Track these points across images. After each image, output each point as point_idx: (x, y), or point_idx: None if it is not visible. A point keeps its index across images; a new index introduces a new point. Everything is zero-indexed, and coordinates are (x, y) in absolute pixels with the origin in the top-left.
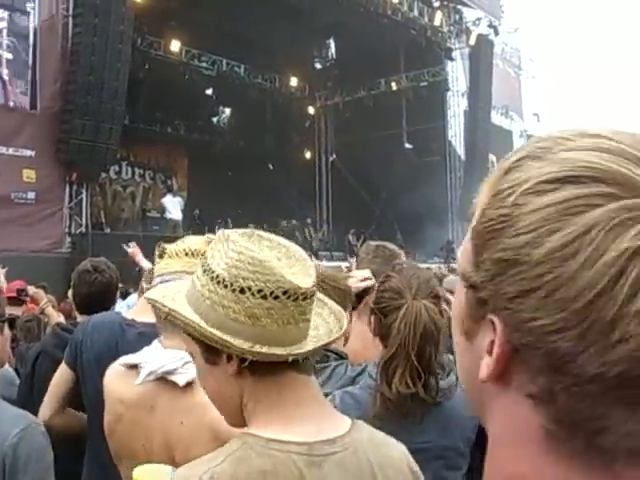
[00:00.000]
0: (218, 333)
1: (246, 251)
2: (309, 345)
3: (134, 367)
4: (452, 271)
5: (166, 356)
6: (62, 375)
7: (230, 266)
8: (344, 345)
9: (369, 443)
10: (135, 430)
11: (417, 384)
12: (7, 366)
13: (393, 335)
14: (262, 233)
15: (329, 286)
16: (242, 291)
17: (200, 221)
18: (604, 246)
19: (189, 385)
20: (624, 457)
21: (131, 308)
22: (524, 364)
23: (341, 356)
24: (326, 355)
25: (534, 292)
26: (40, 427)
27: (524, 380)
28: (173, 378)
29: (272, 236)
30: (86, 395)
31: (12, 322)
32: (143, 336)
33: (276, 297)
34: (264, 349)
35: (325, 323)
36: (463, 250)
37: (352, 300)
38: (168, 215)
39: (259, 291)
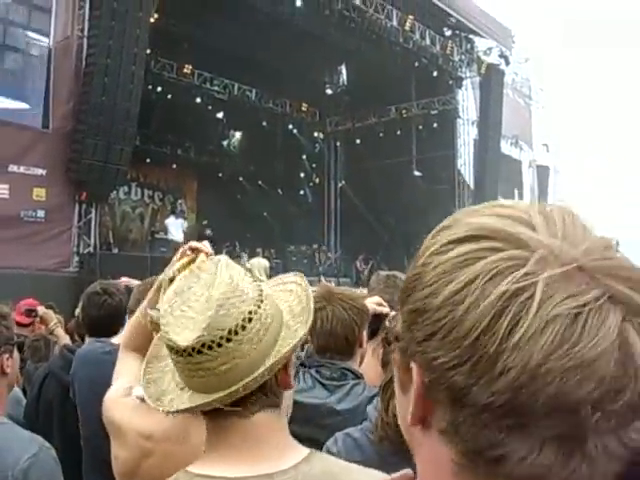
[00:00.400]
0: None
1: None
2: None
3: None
4: None
5: None
6: None
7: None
8: (359, 365)
9: (322, 475)
10: (167, 463)
11: None
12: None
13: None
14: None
15: (347, 305)
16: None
17: (212, 243)
18: (487, 291)
19: None
20: None
21: None
22: (436, 403)
23: (357, 375)
24: (344, 374)
25: (435, 334)
26: (51, 451)
27: (438, 418)
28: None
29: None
30: (84, 426)
31: (20, 345)
32: None
33: (171, 351)
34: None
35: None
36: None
37: (369, 319)
38: (169, 236)
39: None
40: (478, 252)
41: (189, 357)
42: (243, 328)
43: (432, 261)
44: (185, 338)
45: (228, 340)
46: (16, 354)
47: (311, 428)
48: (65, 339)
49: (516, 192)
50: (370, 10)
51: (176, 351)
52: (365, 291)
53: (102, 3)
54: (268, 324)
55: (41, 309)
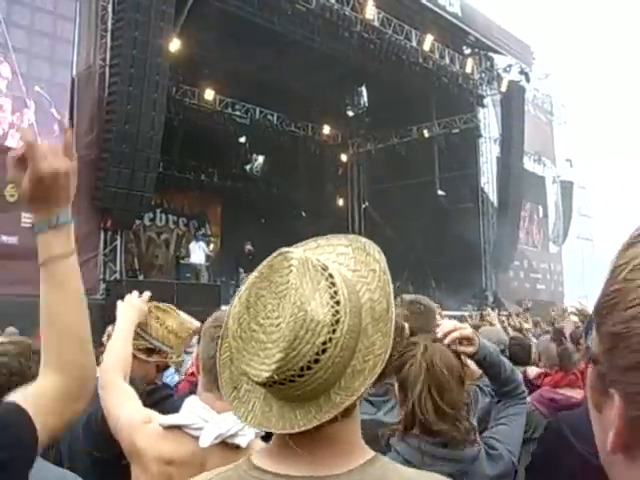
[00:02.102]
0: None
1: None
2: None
3: (176, 427)
4: (483, 318)
5: (229, 420)
6: None
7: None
8: None
9: None
10: None
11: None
12: None
13: None
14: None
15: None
16: None
17: (252, 257)
18: None
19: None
20: None
21: None
22: None
23: None
24: (388, 389)
25: None
26: None
27: None
28: (235, 441)
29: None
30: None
31: None
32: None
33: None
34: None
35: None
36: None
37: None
38: (190, 260)
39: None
40: None
41: (264, 386)
42: (316, 362)
43: (636, 277)
44: (257, 374)
45: (300, 376)
46: None
47: None
48: None
49: (540, 209)
50: (389, 31)
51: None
52: None
53: (123, 32)
54: (345, 345)
55: None
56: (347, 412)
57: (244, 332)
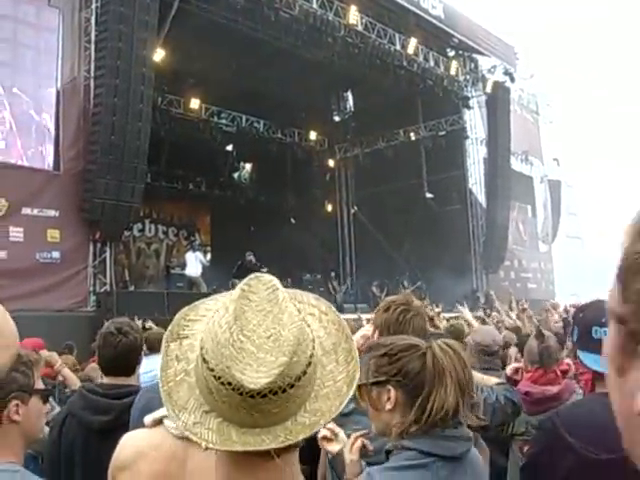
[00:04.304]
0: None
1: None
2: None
3: (159, 422)
4: (480, 319)
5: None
6: None
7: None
8: None
9: None
10: None
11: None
12: None
13: None
14: (264, 301)
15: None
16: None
17: (258, 264)
18: None
19: None
20: None
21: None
22: None
23: None
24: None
25: None
26: None
27: None
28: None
29: (269, 309)
30: None
31: (46, 397)
32: None
33: (227, 386)
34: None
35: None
36: (611, 289)
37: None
38: (187, 271)
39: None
40: None
41: (250, 398)
42: (304, 374)
43: None
44: (254, 382)
45: (291, 386)
46: (37, 404)
47: None
48: (73, 379)
49: (529, 208)
50: (373, 35)
51: (234, 389)
52: None
53: (107, 43)
54: (315, 364)
55: (44, 352)
56: (298, 443)
57: (235, 341)
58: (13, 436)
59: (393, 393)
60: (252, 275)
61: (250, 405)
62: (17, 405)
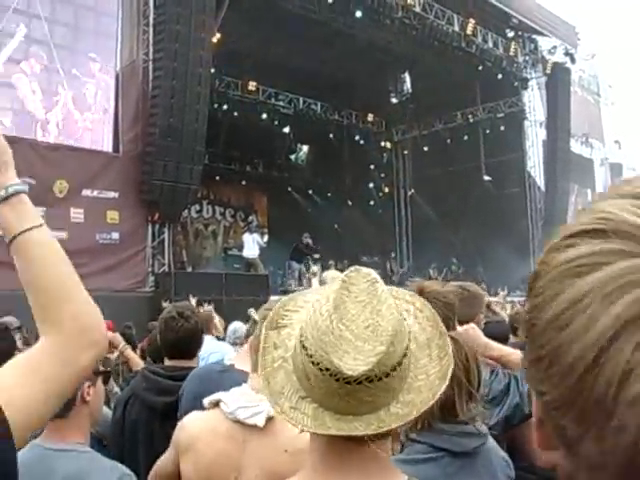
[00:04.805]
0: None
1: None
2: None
3: (216, 405)
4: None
5: (241, 399)
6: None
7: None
8: None
9: None
10: (227, 463)
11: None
12: None
13: None
14: (364, 292)
15: (440, 302)
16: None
17: (311, 249)
18: (599, 313)
19: (270, 420)
20: None
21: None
22: (553, 439)
23: None
24: None
25: (539, 362)
26: (132, 478)
27: (559, 456)
28: (250, 422)
29: (370, 301)
30: None
31: (107, 377)
32: (237, 383)
33: (325, 372)
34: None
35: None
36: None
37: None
38: (244, 252)
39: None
40: (601, 255)
41: (346, 385)
42: (400, 364)
43: (549, 260)
44: (352, 368)
45: (387, 375)
46: (101, 386)
47: None
48: (136, 359)
49: (589, 191)
50: (431, 16)
51: (332, 374)
52: None
53: (165, 26)
54: (411, 356)
55: (109, 333)
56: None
57: (334, 329)
58: (84, 416)
59: None
60: (352, 267)
61: (346, 392)
62: (89, 386)
